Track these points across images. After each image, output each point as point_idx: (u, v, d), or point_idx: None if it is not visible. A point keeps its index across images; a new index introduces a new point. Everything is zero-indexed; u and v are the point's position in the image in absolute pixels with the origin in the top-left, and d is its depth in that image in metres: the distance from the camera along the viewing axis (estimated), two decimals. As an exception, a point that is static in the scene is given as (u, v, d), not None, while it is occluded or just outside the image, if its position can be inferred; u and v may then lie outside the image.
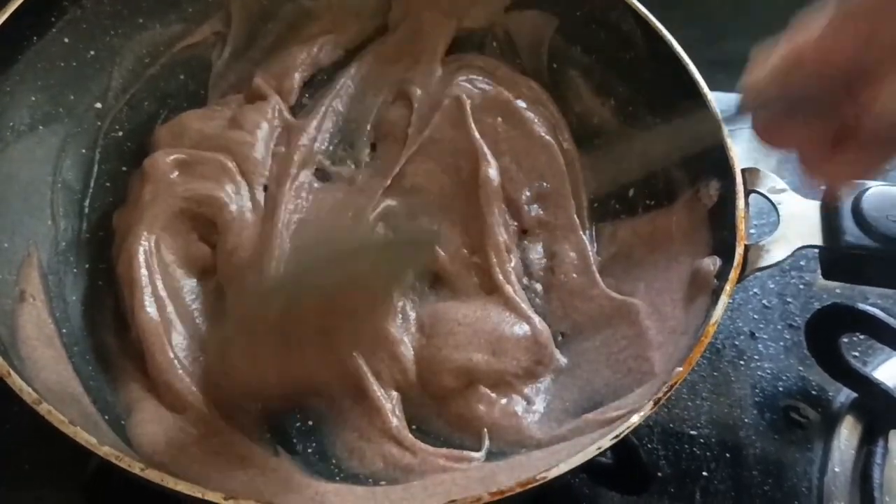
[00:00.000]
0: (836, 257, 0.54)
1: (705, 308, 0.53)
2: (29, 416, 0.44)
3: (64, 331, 0.55)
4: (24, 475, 0.57)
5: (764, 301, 0.71)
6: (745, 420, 0.64)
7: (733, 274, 0.52)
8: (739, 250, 0.53)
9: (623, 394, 0.52)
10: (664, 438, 0.63)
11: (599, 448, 0.45)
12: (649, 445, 0.62)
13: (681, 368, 0.48)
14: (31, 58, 0.59)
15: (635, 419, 0.46)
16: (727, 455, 0.62)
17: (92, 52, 0.64)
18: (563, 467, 0.44)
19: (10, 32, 0.57)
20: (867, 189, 0.54)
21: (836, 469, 0.61)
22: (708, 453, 0.62)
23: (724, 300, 0.51)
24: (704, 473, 0.61)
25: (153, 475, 0.41)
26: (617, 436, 0.45)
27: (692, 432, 0.63)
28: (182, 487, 0.41)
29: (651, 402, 0.46)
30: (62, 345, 0.53)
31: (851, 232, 0.53)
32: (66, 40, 0.62)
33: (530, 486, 0.43)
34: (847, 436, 0.63)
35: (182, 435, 0.50)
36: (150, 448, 0.48)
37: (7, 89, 0.57)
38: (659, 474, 0.61)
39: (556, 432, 0.52)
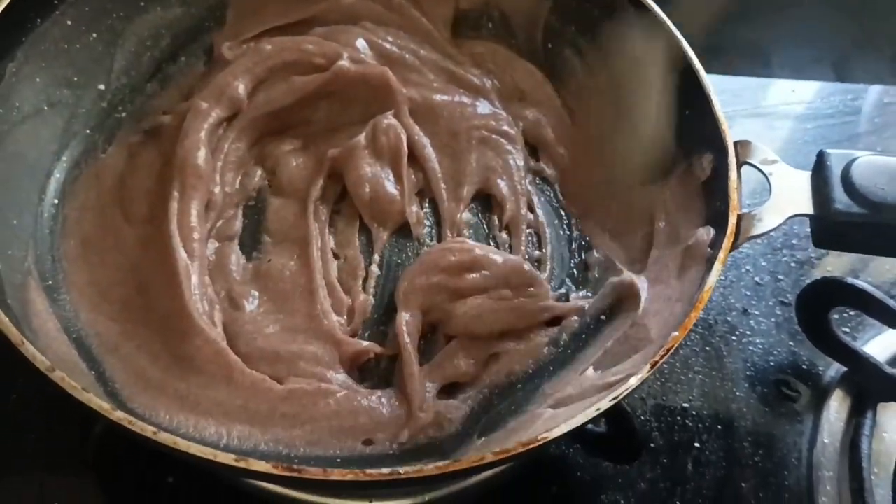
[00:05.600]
0: (826, 225, 0.55)
1: (700, 277, 0.54)
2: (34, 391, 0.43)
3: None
4: (28, 456, 0.57)
5: (756, 278, 0.72)
6: (737, 393, 0.65)
7: (727, 242, 0.53)
8: (732, 219, 0.54)
9: (620, 360, 0.53)
10: (657, 411, 0.64)
11: (598, 409, 0.46)
12: (642, 417, 0.63)
13: (677, 333, 0.49)
14: (35, 40, 0.60)
15: (633, 381, 0.47)
16: (719, 427, 0.63)
17: (94, 35, 0.65)
18: (564, 427, 0.45)
19: (14, 15, 0.58)
20: (856, 158, 0.55)
21: (826, 441, 0.63)
22: (700, 425, 0.63)
23: (717, 268, 0.52)
24: (696, 445, 0.63)
25: (166, 438, 0.42)
26: (615, 397, 0.46)
27: (684, 405, 0.64)
28: (195, 450, 0.42)
29: (648, 366, 0.47)
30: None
31: (841, 200, 0.54)
32: (69, 23, 0.63)
33: (532, 446, 0.44)
34: (836, 409, 0.64)
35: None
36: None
37: (13, 70, 0.58)
38: (651, 445, 0.62)
39: (558, 395, 0.54)
